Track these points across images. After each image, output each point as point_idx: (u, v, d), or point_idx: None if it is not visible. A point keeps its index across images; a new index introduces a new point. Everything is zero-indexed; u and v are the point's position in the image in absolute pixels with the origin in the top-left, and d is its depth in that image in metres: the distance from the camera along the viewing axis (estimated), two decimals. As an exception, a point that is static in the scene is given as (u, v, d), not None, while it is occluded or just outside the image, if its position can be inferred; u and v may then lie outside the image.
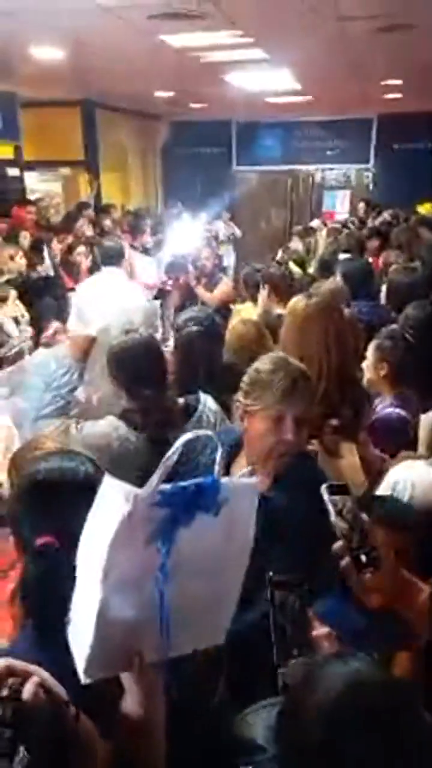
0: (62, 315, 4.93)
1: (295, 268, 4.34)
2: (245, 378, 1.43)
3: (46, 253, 5.15)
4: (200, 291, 4.98)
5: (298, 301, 1.93)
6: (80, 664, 0.79)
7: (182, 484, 0.78)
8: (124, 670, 0.81)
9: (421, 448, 2.05)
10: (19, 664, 0.67)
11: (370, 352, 2.35)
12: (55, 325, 3.54)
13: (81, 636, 0.79)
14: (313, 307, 1.86)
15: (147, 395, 1.74)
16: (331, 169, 10.22)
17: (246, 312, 3.61)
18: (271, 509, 1.32)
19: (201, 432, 0.84)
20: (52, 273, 5.19)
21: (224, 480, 0.81)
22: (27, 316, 4.29)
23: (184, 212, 8.06)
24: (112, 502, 0.76)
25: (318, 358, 1.75)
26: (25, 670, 0.66)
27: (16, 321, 4.14)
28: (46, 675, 0.68)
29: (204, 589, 0.83)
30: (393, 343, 2.33)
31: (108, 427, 1.74)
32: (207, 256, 5.38)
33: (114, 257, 3.78)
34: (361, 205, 8.64)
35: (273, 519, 1.29)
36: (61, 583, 0.81)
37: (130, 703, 0.82)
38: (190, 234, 6.25)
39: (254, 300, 3.68)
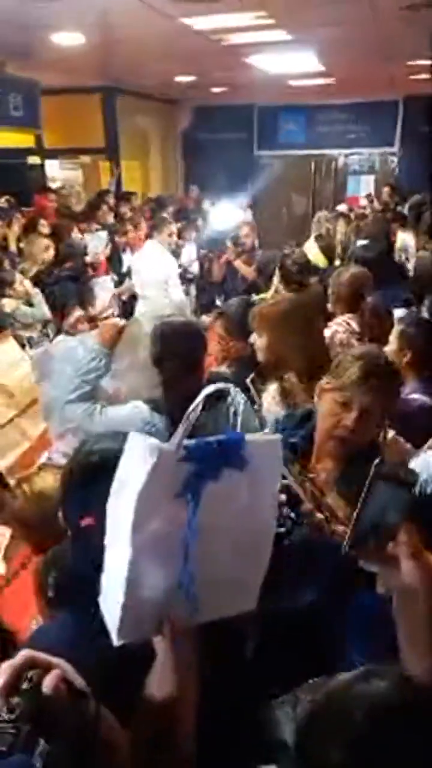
0: (84, 300, 4.97)
1: (321, 258, 4.27)
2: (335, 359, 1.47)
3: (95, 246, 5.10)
4: (241, 265, 4.94)
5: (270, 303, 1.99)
6: (112, 627, 0.78)
7: (207, 439, 0.76)
8: (156, 634, 0.80)
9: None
10: (40, 655, 0.65)
11: (393, 338, 2.32)
12: (77, 313, 3.57)
13: (112, 598, 0.78)
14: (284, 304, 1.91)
15: (179, 378, 1.74)
16: (353, 154, 10.03)
17: (265, 301, 3.58)
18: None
19: (222, 385, 0.83)
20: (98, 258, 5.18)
21: (248, 436, 0.79)
22: (39, 295, 4.08)
23: (202, 197, 8.00)
24: (138, 457, 0.75)
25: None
26: (47, 661, 0.64)
27: (30, 304, 3.95)
28: (68, 667, 0.66)
29: (233, 551, 0.81)
30: (417, 330, 2.29)
31: (132, 410, 1.76)
32: (247, 234, 5.34)
33: (158, 227, 4.48)
34: (386, 190, 8.49)
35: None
36: (99, 566, 0.80)
37: (160, 678, 0.79)
38: (228, 213, 6.23)
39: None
